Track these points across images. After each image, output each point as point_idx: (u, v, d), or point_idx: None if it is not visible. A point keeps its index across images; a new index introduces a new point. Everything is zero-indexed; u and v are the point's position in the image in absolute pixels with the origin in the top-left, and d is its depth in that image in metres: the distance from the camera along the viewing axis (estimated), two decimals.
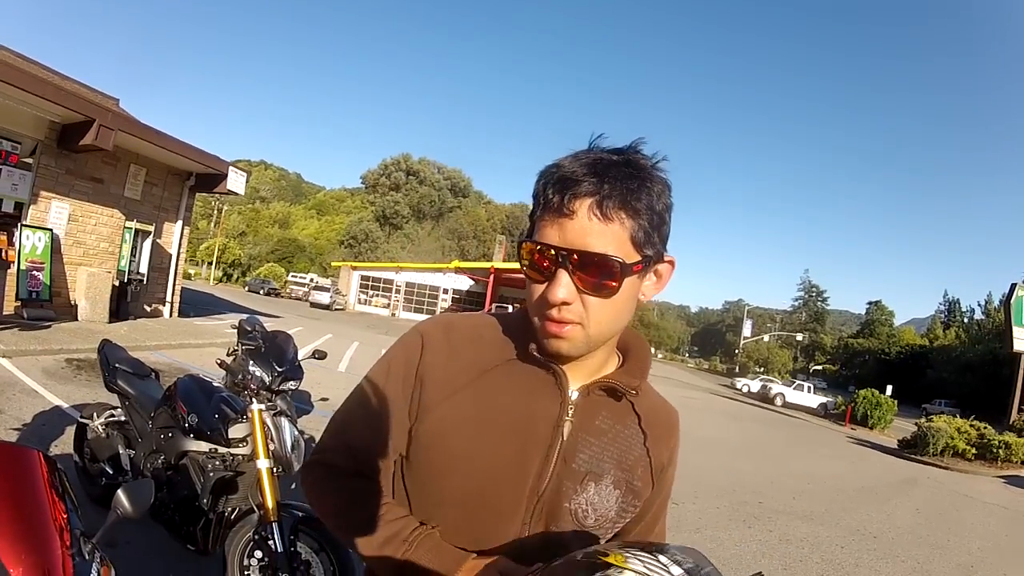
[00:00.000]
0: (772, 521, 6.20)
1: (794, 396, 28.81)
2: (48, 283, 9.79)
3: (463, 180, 69.89)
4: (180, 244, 13.38)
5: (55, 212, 10.27)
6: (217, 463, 2.88)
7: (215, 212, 57.55)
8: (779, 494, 7.56)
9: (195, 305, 16.86)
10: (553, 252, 0.79)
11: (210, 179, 13.29)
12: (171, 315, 13.28)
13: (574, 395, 0.90)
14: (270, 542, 2.61)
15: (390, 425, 0.92)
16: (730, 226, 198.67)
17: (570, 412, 0.89)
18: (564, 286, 0.79)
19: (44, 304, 9.69)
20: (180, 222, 13.29)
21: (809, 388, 29.87)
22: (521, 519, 0.88)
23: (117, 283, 11.31)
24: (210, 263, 51.40)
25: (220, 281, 49.53)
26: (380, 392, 0.93)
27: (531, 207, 0.86)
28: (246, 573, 2.76)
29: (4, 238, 9.12)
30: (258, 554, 2.71)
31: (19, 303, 9.33)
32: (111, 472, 3.49)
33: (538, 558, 0.77)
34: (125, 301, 11.51)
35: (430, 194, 65.52)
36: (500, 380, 0.90)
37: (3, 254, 8.73)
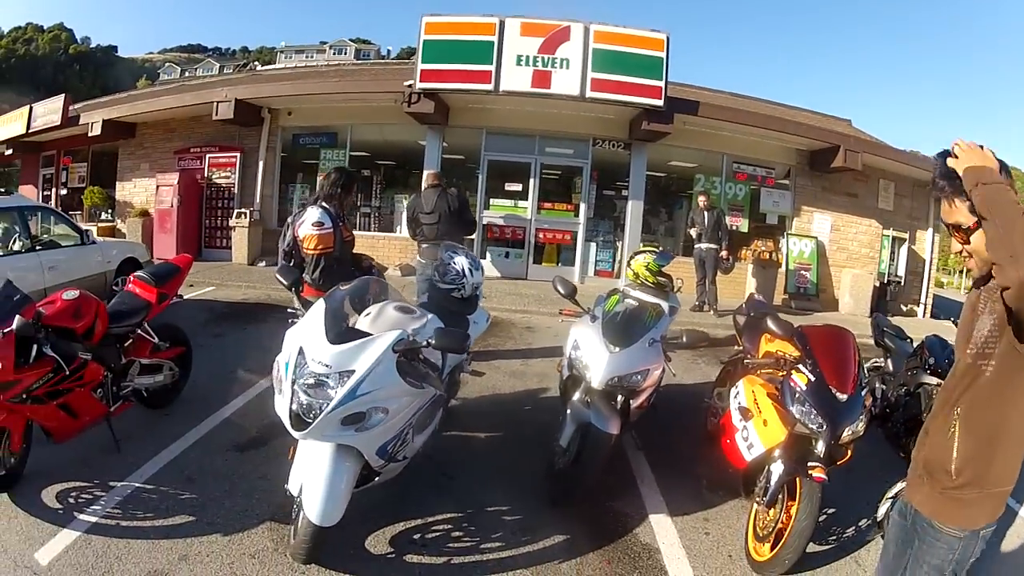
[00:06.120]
0: None
1: None
2: (815, 281, 11.57)
3: None
4: (932, 251, 13.66)
5: (817, 223, 11.91)
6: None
7: None
8: None
9: (946, 311, 16.44)
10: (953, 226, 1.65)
11: None
12: (923, 316, 13.78)
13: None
14: None
15: None
16: None
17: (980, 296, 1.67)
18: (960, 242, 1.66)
19: (811, 298, 11.40)
20: (931, 230, 13.61)
21: None
22: (965, 349, 1.65)
23: (877, 284, 12.43)
24: (961, 271, 46.28)
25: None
26: None
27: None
28: None
29: (772, 244, 11.20)
30: None
31: (787, 295, 11.27)
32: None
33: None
34: (884, 300, 12.38)
35: None
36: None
37: (773, 256, 10.83)
